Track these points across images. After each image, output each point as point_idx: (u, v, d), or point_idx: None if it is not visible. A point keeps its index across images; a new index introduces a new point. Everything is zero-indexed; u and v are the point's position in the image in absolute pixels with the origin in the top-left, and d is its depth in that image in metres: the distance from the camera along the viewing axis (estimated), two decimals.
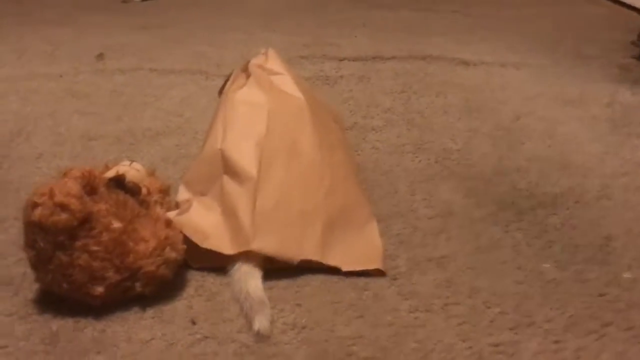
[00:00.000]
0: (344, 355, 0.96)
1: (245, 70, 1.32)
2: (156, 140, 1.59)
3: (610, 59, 2.12)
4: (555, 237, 1.23)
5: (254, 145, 1.16)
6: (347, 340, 0.99)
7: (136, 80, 1.93)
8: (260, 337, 0.99)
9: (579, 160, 1.50)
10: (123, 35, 2.34)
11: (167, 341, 0.99)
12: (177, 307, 1.05)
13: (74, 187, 1.01)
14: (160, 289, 1.06)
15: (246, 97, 1.23)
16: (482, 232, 1.25)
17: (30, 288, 1.08)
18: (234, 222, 1.11)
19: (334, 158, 1.24)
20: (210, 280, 1.11)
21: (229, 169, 1.15)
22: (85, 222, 1.00)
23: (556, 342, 0.99)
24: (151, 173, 1.21)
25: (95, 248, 1.00)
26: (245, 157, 1.15)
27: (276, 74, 1.29)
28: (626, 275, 1.13)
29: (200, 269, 1.13)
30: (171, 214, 1.13)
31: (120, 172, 1.15)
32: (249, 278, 1.07)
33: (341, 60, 2.06)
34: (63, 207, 0.97)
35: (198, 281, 1.11)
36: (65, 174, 1.07)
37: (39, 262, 1.01)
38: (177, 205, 1.19)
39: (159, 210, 1.12)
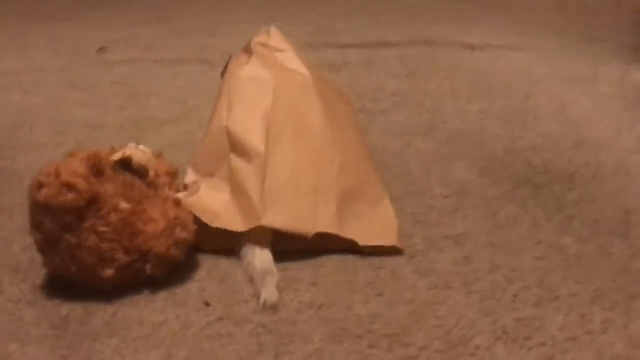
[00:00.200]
0: (363, 332, 0.93)
1: (247, 49, 1.28)
2: (161, 128, 1.56)
3: (620, 39, 2.08)
4: (574, 212, 1.19)
5: (261, 118, 1.12)
6: (365, 318, 0.96)
7: (139, 72, 1.90)
8: (267, 308, 0.96)
9: (592, 136, 1.47)
10: (125, 29, 2.31)
11: (180, 323, 0.96)
12: (190, 289, 1.02)
13: (80, 167, 0.98)
14: (172, 271, 1.03)
15: (250, 74, 1.19)
16: (499, 209, 1.22)
17: (38, 274, 1.05)
18: (243, 200, 1.08)
19: (345, 136, 1.20)
20: (223, 262, 1.08)
21: (236, 146, 1.12)
22: (92, 202, 0.96)
23: (582, 315, 0.95)
24: (158, 155, 1.18)
25: (103, 229, 0.97)
26: (251, 132, 1.12)
27: (280, 50, 1.25)
28: None
29: (212, 252, 1.10)
30: (180, 195, 1.10)
31: (127, 154, 1.12)
32: (257, 254, 1.04)
33: (345, 47, 2.02)
34: (69, 186, 0.94)
35: (210, 263, 1.08)
36: (70, 155, 1.04)
37: (46, 245, 0.98)
38: (185, 188, 1.16)
39: (167, 191, 1.09)
